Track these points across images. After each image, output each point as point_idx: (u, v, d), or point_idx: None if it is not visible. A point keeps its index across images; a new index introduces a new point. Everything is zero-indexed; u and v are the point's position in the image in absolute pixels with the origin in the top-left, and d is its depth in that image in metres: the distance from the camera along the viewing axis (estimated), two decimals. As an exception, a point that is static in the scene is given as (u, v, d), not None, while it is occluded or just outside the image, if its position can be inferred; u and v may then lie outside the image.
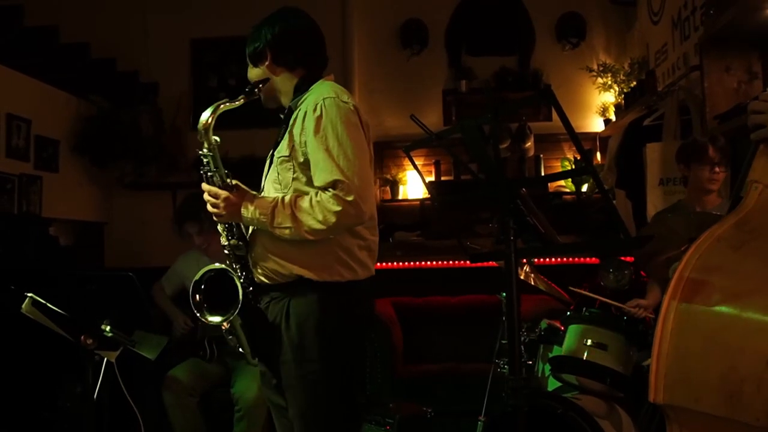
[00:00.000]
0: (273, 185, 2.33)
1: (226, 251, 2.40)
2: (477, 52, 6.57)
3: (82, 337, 2.70)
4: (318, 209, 2.15)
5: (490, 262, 2.94)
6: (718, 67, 3.69)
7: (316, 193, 2.19)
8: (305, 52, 2.43)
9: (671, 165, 3.84)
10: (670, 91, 4.55)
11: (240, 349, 2.39)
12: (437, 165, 6.26)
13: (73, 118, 5.58)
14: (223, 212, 2.28)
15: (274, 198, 2.25)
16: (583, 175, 4.09)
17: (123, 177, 6.06)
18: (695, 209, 3.28)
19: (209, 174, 2.31)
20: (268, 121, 2.59)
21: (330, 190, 2.15)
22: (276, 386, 2.40)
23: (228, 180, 2.30)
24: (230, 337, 2.37)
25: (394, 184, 6.41)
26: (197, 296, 2.32)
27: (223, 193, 2.27)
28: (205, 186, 2.31)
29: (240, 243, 2.36)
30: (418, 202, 6.37)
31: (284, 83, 2.41)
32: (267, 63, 2.40)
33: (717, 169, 3.28)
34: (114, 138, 5.62)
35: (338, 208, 2.12)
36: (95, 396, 2.62)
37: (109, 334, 2.70)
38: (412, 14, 6.61)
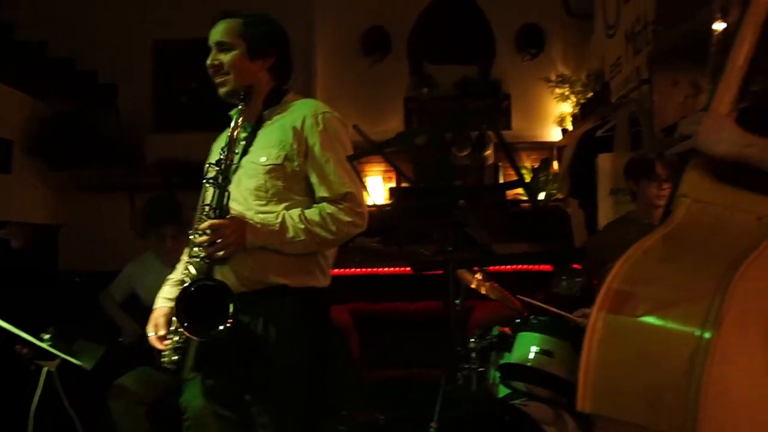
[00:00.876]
0: (255, 193, 2.27)
1: (195, 258, 2.24)
2: (439, 61, 6.64)
3: (18, 347, 2.61)
4: (331, 221, 2.20)
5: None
6: (666, 81, 3.79)
7: (324, 204, 2.23)
8: (290, 64, 2.46)
9: (622, 176, 3.93)
10: (622, 103, 4.66)
11: (174, 359, 2.30)
12: (400, 171, 6.29)
13: (27, 119, 5.48)
14: (230, 243, 2.17)
15: (276, 213, 2.23)
16: (516, 188, 4.12)
17: (79, 179, 5.98)
18: (644, 222, 3.36)
19: (219, 191, 2.21)
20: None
21: (342, 202, 2.22)
22: (232, 399, 2.35)
23: (228, 202, 2.23)
24: (174, 348, 2.29)
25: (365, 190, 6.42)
26: (183, 311, 2.16)
27: (224, 222, 2.18)
28: (204, 225, 2.18)
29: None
30: (377, 208, 6.39)
31: (264, 88, 2.38)
32: (265, 63, 2.35)
33: (665, 186, 3.30)
34: (70, 139, 5.53)
35: (350, 219, 2.21)
36: (34, 407, 2.56)
37: (48, 344, 2.62)
38: (375, 21, 6.65)
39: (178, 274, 2.46)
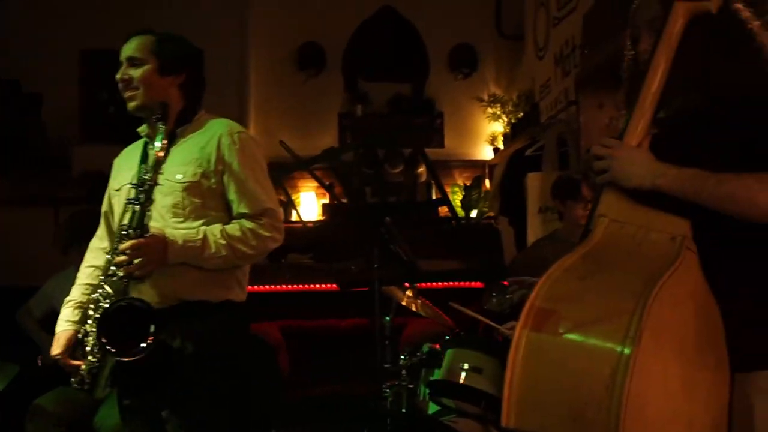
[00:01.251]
0: (172, 210, 2.26)
1: (112, 277, 2.19)
2: (373, 78, 6.68)
3: None
4: (251, 236, 2.22)
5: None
6: (591, 103, 3.91)
7: (243, 220, 2.24)
8: (202, 83, 2.46)
9: (549, 194, 4.01)
10: (551, 123, 4.78)
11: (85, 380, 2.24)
12: (331, 188, 6.28)
13: (-56, 128, 5.26)
14: (151, 262, 2.13)
15: (198, 230, 2.22)
16: (440, 206, 4.17)
17: (1, 191, 5.75)
18: (570, 240, 3.44)
19: (140, 210, 2.17)
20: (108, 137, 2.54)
21: (262, 218, 2.24)
22: (150, 416, 2.31)
23: (149, 221, 2.20)
24: (89, 369, 2.24)
25: (288, 206, 6.38)
26: (105, 332, 2.10)
27: (144, 242, 2.14)
28: (125, 245, 2.13)
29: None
30: (312, 224, 6.37)
31: (174, 106, 2.36)
32: (176, 80, 2.35)
33: (590, 206, 3.37)
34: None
35: (269, 235, 2.24)
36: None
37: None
38: (310, 37, 6.66)
39: (77, 295, 2.41)
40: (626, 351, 1.16)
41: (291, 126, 6.54)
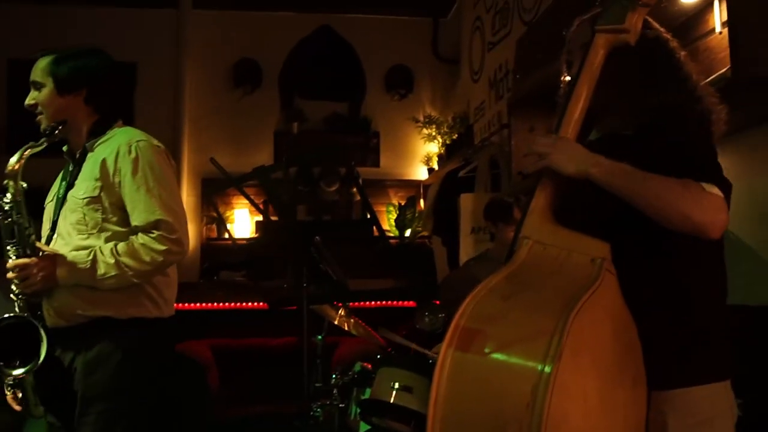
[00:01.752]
0: (76, 227, 2.23)
1: (16, 292, 2.18)
2: (310, 96, 6.68)
3: None
4: (143, 251, 2.15)
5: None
6: (523, 127, 4.00)
7: (137, 236, 2.17)
8: (117, 96, 2.44)
9: (482, 215, 4.08)
10: (484, 145, 4.87)
11: (19, 399, 2.20)
12: (265, 205, 6.24)
13: None
14: (38, 283, 2.12)
15: (89, 250, 2.17)
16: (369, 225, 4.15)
17: None
18: (501, 261, 3.48)
19: (10, 225, 2.14)
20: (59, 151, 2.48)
21: (153, 230, 2.16)
22: None
23: (32, 239, 2.17)
24: (12, 386, 2.19)
25: (221, 223, 6.30)
26: None
27: (32, 261, 2.12)
28: (11, 263, 2.12)
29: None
30: (245, 241, 6.30)
31: (85, 121, 2.34)
32: (77, 97, 2.31)
33: None
34: None
35: (164, 248, 2.15)
36: None
37: None
38: (247, 54, 6.62)
39: None
40: (547, 369, 1.18)
41: (226, 143, 6.48)
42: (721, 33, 2.61)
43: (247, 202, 5.99)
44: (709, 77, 2.27)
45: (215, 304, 5.53)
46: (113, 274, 2.14)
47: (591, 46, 1.54)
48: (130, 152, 2.22)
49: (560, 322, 1.23)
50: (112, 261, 2.14)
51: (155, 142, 2.32)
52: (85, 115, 2.33)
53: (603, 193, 1.60)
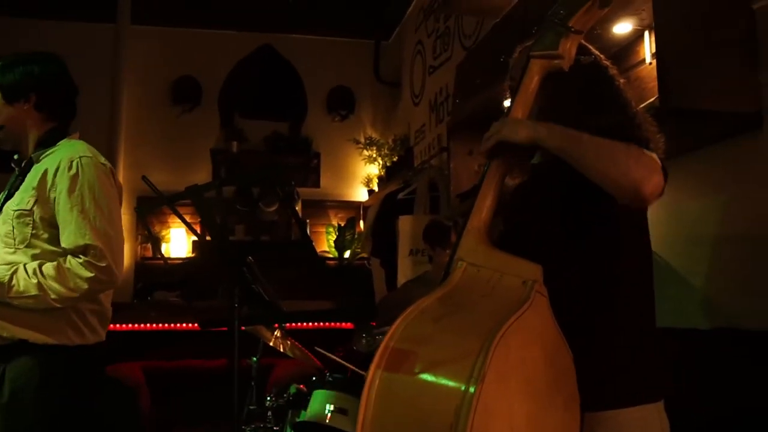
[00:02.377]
0: (4, 239, 2.14)
1: None
2: (250, 115, 6.63)
3: None
4: (69, 276, 2.05)
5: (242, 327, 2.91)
6: (462, 150, 4.04)
7: (65, 259, 2.08)
8: (66, 104, 2.31)
9: (421, 237, 4.09)
10: (423, 168, 4.90)
11: None
12: (203, 225, 6.14)
13: None
14: None
15: (11, 266, 2.07)
16: (300, 249, 4.10)
17: None
18: (438, 283, 3.49)
19: None
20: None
21: (81, 255, 2.07)
22: None
23: None
24: None
25: (157, 242, 6.17)
26: None
27: None
28: None
29: None
30: (181, 261, 6.18)
31: (33, 130, 2.24)
32: (26, 105, 2.21)
33: None
34: None
35: (90, 275, 2.05)
36: None
37: None
38: (186, 71, 6.54)
39: None
40: (471, 390, 1.18)
41: (163, 160, 6.37)
42: (651, 63, 2.70)
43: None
44: (639, 105, 2.34)
45: (148, 325, 5.38)
46: (32, 294, 2.04)
47: (526, 71, 1.56)
48: (70, 168, 2.12)
49: (486, 343, 1.23)
50: (35, 281, 2.04)
51: (102, 159, 2.22)
52: (36, 123, 2.23)
53: (537, 213, 1.63)
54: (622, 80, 1.68)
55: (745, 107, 2.17)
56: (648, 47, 2.75)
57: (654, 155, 1.45)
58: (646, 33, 2.76)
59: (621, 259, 1.57)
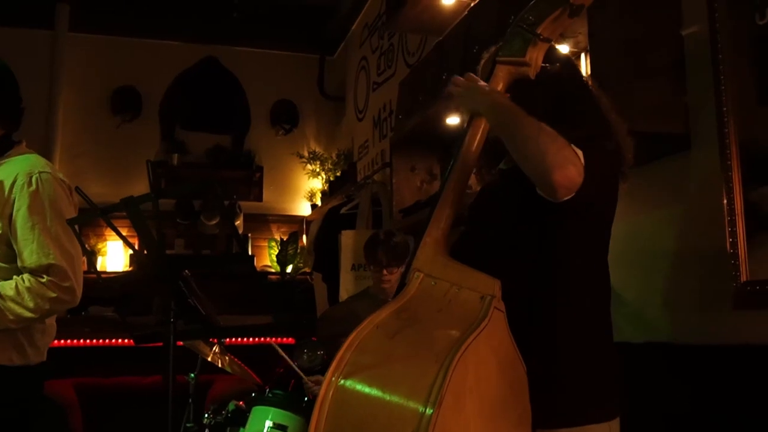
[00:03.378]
0: None
1: None
2: (192, 127, 6.55)
3: None
4: (29, 296, 1.97)
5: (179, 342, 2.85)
6: (405, 166, 4.07)
7: (23, 278, 2.00)
8: (11, 110, 2.22)
9: (362, 252, 4.09)
10: (366, 183, 4.92)
11: None
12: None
13: None
14: None
15: None
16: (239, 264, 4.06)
17: None
18: (380, 297, 3.48)
19: None
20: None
21: (44, 275, 1.99)
22: None
23: None
24: None
25: (92, 255, 6.00)
26: None
27: None
28: None
29: None
30: (117, 275, 6.02)
31: None
32: None
33: (385, 272, 3.26)
34: None
35: (53, 295, 1.99)
36: None
37: None
38: (126, 81, 6.42)
39: None
40: (428, 411, 1.16)
41: (101, 171, 6.22)
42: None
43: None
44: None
45: (81, 340, 5.22)
46: None
47: (492, 76, 1.55)
48: (30, 184, 2.04)
49: (444, 364, 1.20)
50: None
51: (60, 175, 2.16)
52: None
53: (494, 219, 1.63)
54: (594, 86, 1.66)
55: (676, 128, 2.25)
56: (583, 70, 2.84)
57: (579, 152, 1.43)
58: (582, 55, 2.85)
59: (574, 272, 1.56)
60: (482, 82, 1.55)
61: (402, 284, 1.46)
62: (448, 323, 1.33)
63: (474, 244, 1.60)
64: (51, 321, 2.21)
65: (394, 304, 1.40)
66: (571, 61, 1.70)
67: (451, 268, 1.42)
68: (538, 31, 1.50)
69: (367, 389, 1.26)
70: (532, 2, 1.55)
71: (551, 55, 1.61)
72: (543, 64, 1.55)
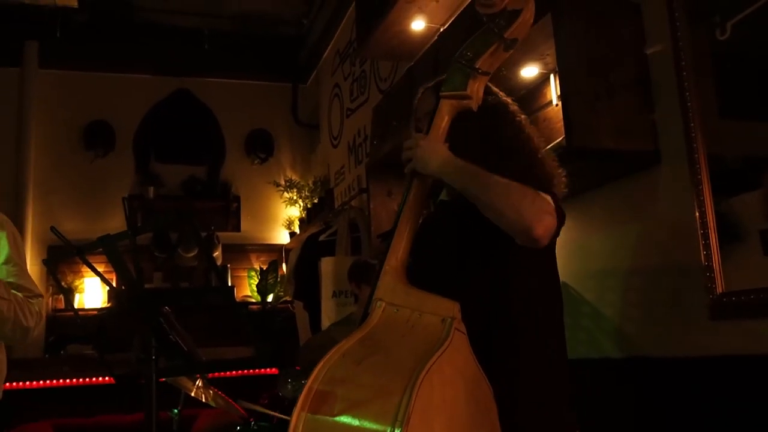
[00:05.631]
0: None
1: None
2: (166, 160, 6.53)
3: None
4: (30, 308, 2.10)
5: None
6: (381, 191, 4.09)
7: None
8: None
9: (343, 279, 4.09)
10: (343, 209, 4.93)
11: None
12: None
13: None
14: None
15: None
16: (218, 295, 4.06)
17: None
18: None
19: None
20: None
21: (34, 298, 2.14)
22: None
23: None
24: None
25: (69, 293, 5.93)
26: None
27: None
28: None
29: None
30: (96, 312, 5.95)
31: None
32: None
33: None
34: None
35: (40, 316, 2.14)
36: None
37: None
38: (99, 116, 6.40)
39: None
40: (396, 431, 1.19)
41: (75, 208, 6.17)
42: (557, 105, 2.82)
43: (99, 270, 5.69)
44: (549, 144, 2.44)
45: (60, 381, 5.13)
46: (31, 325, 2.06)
47: (436, 111, 1.61)
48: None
49: (409, 384, 1.24)
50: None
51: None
52: None
53: (437, 249, 1.67)
54: (522, 116, 1.73)
55: (645, 145, 2.30)
56: (554, 89, 2.88)
57: (548, 197, 1.51)
58: (552, 76, 2.89)
59: (522, 295, 1.61)
60: (431, 140, 1.59)
61: (365, 314, 1.49)
62: (411, 347, 1.36)
63: (424, 276, 1.63)
64: (2, 356, 2.22)
65: (358, 333, 1.44)
66: (497, 92, 1.76)
67: (412, 295, 1.47)
68: (477, 66, 1.58)
69: (336, 418, 1.28)
70: (469, 40, 1.62)
71: (487, 89, 1.68)
72: (484, 96, 1.62)
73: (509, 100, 1.76)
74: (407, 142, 1.63)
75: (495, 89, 1.76)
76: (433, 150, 1.57)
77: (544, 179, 1.63)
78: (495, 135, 1.66)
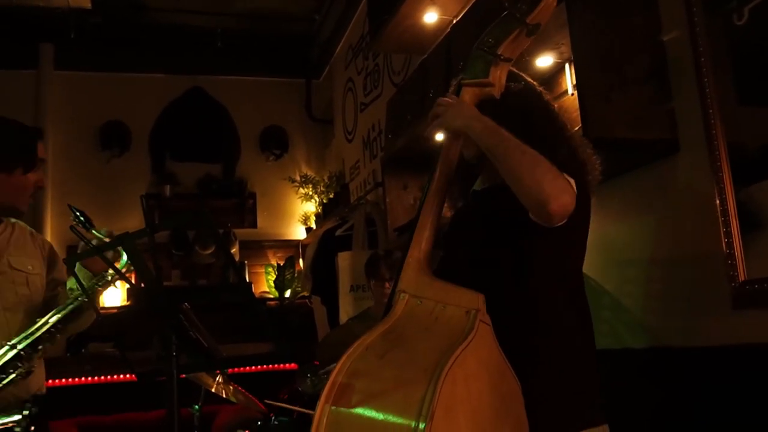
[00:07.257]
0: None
1: None
2: (182, 158, 6.56)
3: None
4: None
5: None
6: (397, 185, 4.08)
7: None
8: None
9: (360, 273, 4.09)
10: (359, 204, 4.92)
11: None
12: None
13: None
14: None
15: None
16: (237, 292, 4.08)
17: None
18: (380, 318, 3.47)
19: None
20: None
21: None
22: None
23: None
24: None
25: (88, 292, 5.97)
26: None
27: None
28: None
29: None
30: (115, 310, 5.99)
31: None
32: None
33: (387, 285, 3.33)
34: None
35: None
36: None
37: None
38: (114, 116, 6.43)
39: None
40: (421, 426, 1.18)
41: (93, 207, 6.15)
42: (573, 94, 2.80)
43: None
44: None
45: (83, 378, 5.19)
46: None
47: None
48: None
49: (433, 378, 1.23)
50: None
51: None
52: None
53: (471, 239, 1.65)
54: (555, 105, 1.71)
55: (662, 134, 2.27)
56: (569, 79, 2.86)
57: (572, 180, 1.47)
58: (567, 65, 2.87)
59: (551, 285, 1.59)
60: (466, 103, 1.57)
61: (389, 306, 1.48)
62: (435, 340, 1.35)
63: (454, 267, 1.62)
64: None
65: (381, 326, 1.43)
66: (533, 85, 1.73)
67: (435, 287, 1.45)
68: (499, 52, 1.55)
69: (359, 411, 1.28)
70: (490, 26, 1.59)
71: (514, 76, 1.66)
72: (507, 83, 1.60)
73: (542, 88, 1.72)
74: (439, 99, 1.62)
75: (526, 77, 1.73)
76: (462, 105, 1.56)
77: (582, 168, 1.61)
78: (530, 122, 1.62)
